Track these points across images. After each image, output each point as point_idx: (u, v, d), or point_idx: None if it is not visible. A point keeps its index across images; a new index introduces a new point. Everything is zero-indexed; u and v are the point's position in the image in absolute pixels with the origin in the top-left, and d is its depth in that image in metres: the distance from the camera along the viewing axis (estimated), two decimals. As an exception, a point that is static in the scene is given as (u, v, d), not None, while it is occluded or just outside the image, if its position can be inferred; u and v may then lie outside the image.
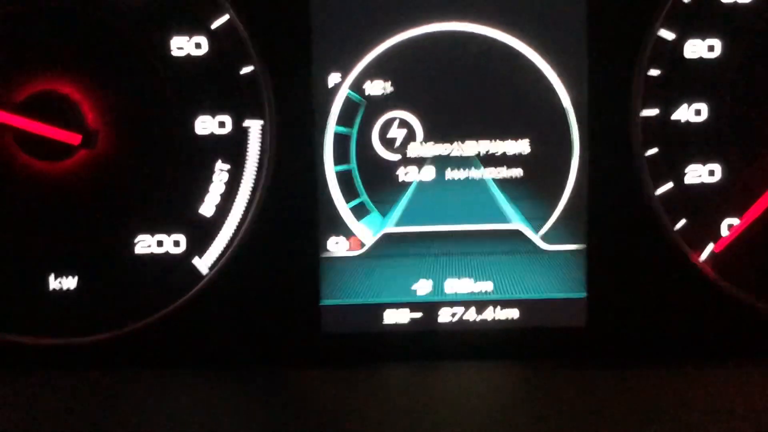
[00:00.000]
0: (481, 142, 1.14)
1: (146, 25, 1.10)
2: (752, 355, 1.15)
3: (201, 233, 1.14)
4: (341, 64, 1.12)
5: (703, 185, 1.14)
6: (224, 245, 1.14)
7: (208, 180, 1.13)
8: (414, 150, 1.14)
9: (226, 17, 1.10)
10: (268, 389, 1.10)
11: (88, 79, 1.11)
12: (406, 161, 1.14)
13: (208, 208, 1.14)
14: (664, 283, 1.15)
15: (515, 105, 1.13)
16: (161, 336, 1.15)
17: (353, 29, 1.12)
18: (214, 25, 1.11)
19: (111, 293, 1.15)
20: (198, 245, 1.15)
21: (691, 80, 1.12)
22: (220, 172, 1.13)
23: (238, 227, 1.14)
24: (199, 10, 1.10)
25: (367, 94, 1.13)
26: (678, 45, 1.12)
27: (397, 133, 1.14)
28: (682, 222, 1.15)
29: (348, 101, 1.13)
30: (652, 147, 1.13)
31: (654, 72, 1.12)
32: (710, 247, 1.16)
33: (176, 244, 1.15)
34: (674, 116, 1.13)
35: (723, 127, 1.13)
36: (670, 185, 1.14)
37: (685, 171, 1.14)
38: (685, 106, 1.13)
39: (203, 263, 1.15)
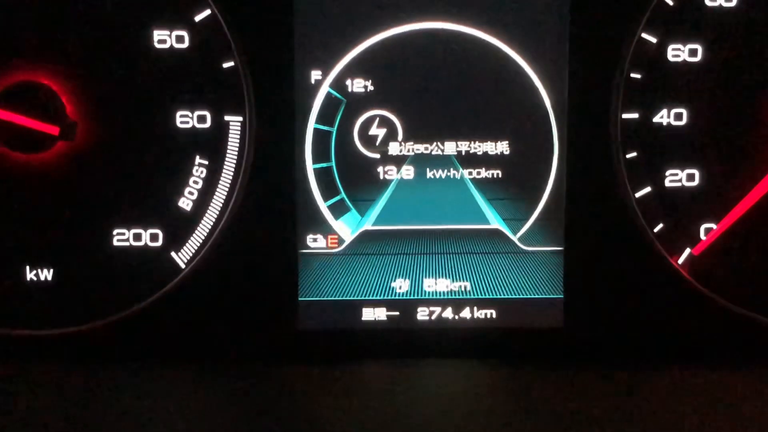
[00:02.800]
0: (461, 142, 1.14)
1: (129, 17, 1.10)
2: (727, 356, 1.15)
3: (179, 227, 1.14)
4: (323, 61, 1.12)
5: (681, 189, 1.15)
6: (202, 240, 1.14)
7: (187, 174, 1.13)
8: (394, 148, 1.14)
9: (208, 11, 1.10)
10: (244, 385, 1.10)
11: (68, 71, 1.11)
12: (386, 159, 1.14)
13: (186, 202, 1.14)
14: (641, 285, 1.15)
15: (496, 105, 1.13)
16: (137, 329, 1.15)
17: (335, 27, 1.11)
18: (197, 19, 1.10)
19: (88, 286, 1.15)
20: (176, 239, 1.14)
21: (673, 84, 1.13)
22: (199, 166, 1.13)
23: (216, 222, 1.14)
24: (182, 3, 1.10)
25: (348, 91, 1.13)
26: (660, 48, 1.12)
27: (377, 132, 1.14)
28: (660, 225, 1.15)
29: (329, 99, 1.13)
30: (631, 150, 1.14)
31: (635, 75, 1.12)
32: (688, 251, 1.16)
33: (154, 237, 1.14)
34: (654, 120, 1.13)
35: (703, 131, 1.13)
36: (648, 189, 1.14)
37: (665, 175, 1.15)
38: (665, 110, 1.13)
39: (181, 257, 1.15)
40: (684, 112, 1.13)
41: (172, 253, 1.15)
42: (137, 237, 1.14)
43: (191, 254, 1.15)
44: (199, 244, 1.14)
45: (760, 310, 1.16)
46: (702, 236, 1.16)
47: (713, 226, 1.15)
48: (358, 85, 1.13)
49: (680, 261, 1.16)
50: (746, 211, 1.14)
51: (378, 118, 1.14)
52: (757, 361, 1.15)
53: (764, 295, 1.16)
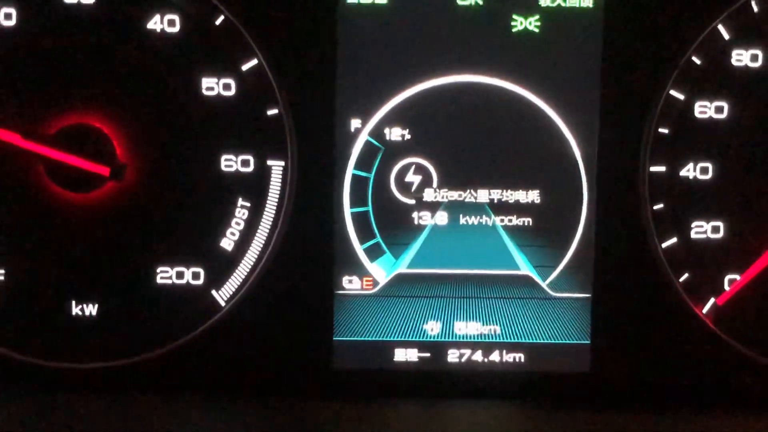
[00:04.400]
0: (493, 190, 1.18)
1: (179, 65, 1.15)
2: (752, 405, 1.18)
3: (220, 266, 1.18)
4: (362, 111, 1.17)
5: (707, 241, 1.18)
6: (242, 279, 1.18)
7: (230, 215, 1.17)
8: (429, 195, 1.18)
9: (255, 61, 1.15)
10: (280, 420, 1.13)
11: (120, 115, 1.15)
12: (421, 205, 1.19)
13: (228, 242, 1.18)
14: (666, 333, 1.18)
15: (528, 155, 1.18)
16: (177, 364, 1.18)
17: (375, 79, 1.16)
18: (244, 68, 1.15)
19: (131, 321, 1.18)
20: (217, 278, 1.18)
21: (699, 139, 1.17)
22: (242, 208, 1.17)
23: (256, 262, 1.18)
24: (230, 53, 1.15)
25: (386, 139, 1.18)
26: (688, 105, 1.16)
27: (413, 178, 1.18)
28: (686, 275, 1.19)
29: (367, 146, 1.18)
30: (658, 202, 1.17)
31: (663, 130, 1.17)
32: (712, 301, 1.19)
33: (196, 276, 1.18)
34: (681, 173, 1.17)
35: (728, 186, 1.17)
36: (675, 239, 1.18)
37: (691, 226, 1.18)
38: (692, 164, 1.17)
39: (221, 296, 1.19)
40: (710, 166, 1.17)
41: (213, 291, 1.19)
42: (180, 275, 1.18)
43: (231, 293, 1.18)
44: (239, 284, 1.18)
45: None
46: (726, 287, 1.19)
47: (737, 277, 1.19)
48: (395, 133, 1.17)
49: (705, 310, 1.19)
50: None
51: (414, 166, 1.18)
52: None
53: None
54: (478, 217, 1.19)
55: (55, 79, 1.15)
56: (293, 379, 1.19)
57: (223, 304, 1.19)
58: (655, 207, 1.17)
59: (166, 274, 1.18)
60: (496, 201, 1.18)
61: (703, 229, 1.18)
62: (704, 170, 1.17)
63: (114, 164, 1.15)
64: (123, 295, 1.18)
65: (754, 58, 1.16)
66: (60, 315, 1.18)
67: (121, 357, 1.18)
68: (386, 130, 1.17)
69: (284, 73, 1.15)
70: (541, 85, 1.16)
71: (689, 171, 1.17)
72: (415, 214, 1.19)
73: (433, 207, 1.19)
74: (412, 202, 1.19)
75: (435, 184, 1.18)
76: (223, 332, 1.18)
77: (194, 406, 1.15)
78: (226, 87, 1.16)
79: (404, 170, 1.18)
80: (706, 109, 1.16)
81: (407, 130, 1.17)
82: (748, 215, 1.18)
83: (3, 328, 1.18)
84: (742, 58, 1.16)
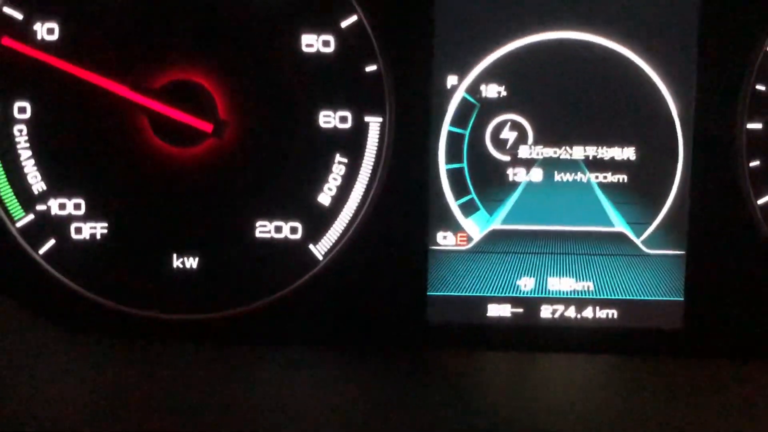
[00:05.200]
0: (588, 146, 1.19)
1: (279, 23, 1.17)
2: None
3: (318, 221, 1.20)
4: (459, 67, 1.18)
5: (803, 198, 1.18)
6: (339, 234, 1.20)
7: (328, 171, 1.19)
8: (524, 152, 1.19)
9: (354, 18, 1.16)
10: (375, 371, 1.16)
11: (222, 72, 1.18)
12: (516, 162, 1.20)
13: (325, 198, 1.20)
14: (761, 290, 1.18)
15: (623, 112, 1.18)
16: (276, 317, 1.21)
17: (472, 36, 1.17)
18: (343, 25, 1.17)
19: (231, 274, 1.21)
20: (314, 233, 1.20)
21: (798, 96, 1.16)
22: (339, 164, 1.19)
23: (353, 218, 1.20)
24: (330, 11, 1.16)
25: (482, 96, 1.19)
26: (786, 60, 1.16)
27: (508, 135, 1.19)
28: (782, 233, 1.19)
29: (463, 103, 1.19)
30: (755, 159, 1.17)
31: (761, 87, 1.16)
32: (808, 258, 1.19)
33: (294, 230, 1.21)
34: (779, 130, 1.17)
35: (826, 142, 1.17)
36: (772, 197, 1.18)
37: (787, 183, 1.18)
38: (790, 120, 1.17)
39: (318, 250, 1.21)
40: (808, 123, 1.17)
41: (311, 246, 1.21)
42: (278, 229, 1.21)
43: (328, 247, 1.20)
44: (336, 238, 1.20)
45: None
46: (822, 244, 1.19)
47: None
48: (491, 90, 1.18)
49: (799, 268, 1.19)
50: None
51: (509, 122, 1.19)
52: None
53: None
54: (573, 174, 1.19)
55: (159, 35, 1.17)
56: (388, 333, 1.21)
57: (320, 258, 1.21)
58: (751, 164, 1.17)
59: (264, 228, 1.21)
60: (590, 158, 1.19)
61: (800, 186, 1.18)
62: (802, 127, 1.17)
63: (216, 121, 1.17)
64: (223, 248, 1.21)
65: None
66: (162, 267, 1.21)
67: (222, 309, 1.21)
68: (482, 87, 1.18)
69: (383, 29, 1.16)
70: (638, 42, 1.17)
71: (788, 127, 1.17)
72: (509, 171, 1.20)
73: (528, 164, 1.20)
74: (507, 158, 1.20)
75: (530, 141, 1.19)
76: (320, 286, 1.20)
77: (292, 359, 1.18)
78: (326, 44, 1.17)
79: (499, 127, 1.19)
80: (804, 64, 1.16)
81: (503, 86, 1.18)
82: None
83: (108, 280, 1.21)
84: (842, 14, 1.15)
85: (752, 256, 1.18)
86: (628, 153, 1.19)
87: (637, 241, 1.20)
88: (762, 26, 1.15)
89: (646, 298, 1.20)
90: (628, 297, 1.20)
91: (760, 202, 1.18)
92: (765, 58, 1.15)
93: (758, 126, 1.17)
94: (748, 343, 1.19)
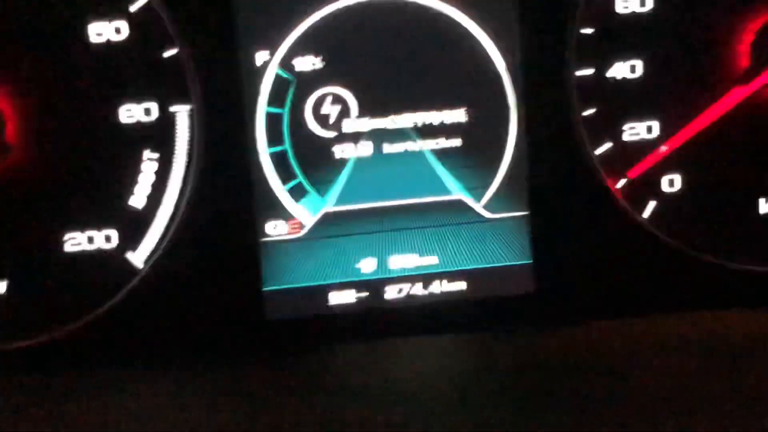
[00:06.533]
0: (417, 113, 1.12)
1: (63, 15, 1.05)
2: (697, 304, 1.15)
3: (133, 226, 1.10)
4: (268, 40, 1.09)
5: (641, 142, 1.14)
6: (158, 237, 1.11)
7: (137, 170, 1.09)
8: (349, 126, 1.11)
9: (144, 0, 1.06)
10: (214, 380, 1.07)
11: (8, 82, 1.06)
12: (342, 138, 1.11)
13: (138, 199, 1.10)
14: (607, 241, 1.14)
15: (450, 74, 1.11)
16: (98, 336, 1.11)
17: (278, 4, 1.08)
18: (133, 8, 1.06)
19: (43, 295, 1.10)
20: (131, 239, 1.11)
21: (624, 36, 1.11)
22: (149, 161, 1.09)
23: (172, 217, 1.10)
24: (115, -6, 1.06)
25: (297, 70, 1.10)
26: (609, 1, 1.10)
27: (330, 110, 1.11)
28: (623, 180, 1.14)
29: (278, 79, 1.10)
30: (588, 107, 1.12)
31: (586, 30, 1.11)
32: (652, 204, 1.15)
33: (108, 239, 1.10)
34: (609, 74, 1.12)
35: (658, 82, 1.12)
36: (609, 144, 1.13)
37: (623, 129, 1.13)
38: (619, 63, 1.12)
39: (137, 257, 1.11)
40: (638, 63, 1.12)
41: (129, 254, 1.11)
42: (90, 240, 1.10)
43: (148, 253, 1.11)
44: (155, 242, 1.11)
45: (724, 256, 1.16)
46: (665, 188, 1.15)
47: (676, 177, 1.15)
48: (306, 63, 1.10)
49: (645, 214, 1.15)
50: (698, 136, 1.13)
51: (330, 96, 1.11)
52: (720, 305, 1.15)
53: (725, 242, 1.16)
54: (404, 143, 1.12)
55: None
56: (226, 336, 1.12)
57: (140, 266, 1.11)
58: (585, 113, 1.12)
59: (74, 241, 1.10)
60: (420, 125, 1.12)
61: (636, 131, 1.13)
62: (633, 68, 1.12)
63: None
64: (32, 268, 1.10)
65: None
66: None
67: (36, 335, 1.10)
68: (296, 60, 1.09)
69: (176, 8, 1.06)
70: (455, -3, 1.10)
71: (617, 70, 1.12)
72: (336, 148, 1.12)
73: (355, 138, 1.11)
74: (332, 135, 1.11)
75: (354, 114, 1.11)
76: (144, 296, 1.11)
77: (122, 378, 1.08)
78: (117, 31, 1.07)
79: (320, 102, 1.11)
80: (628, 4, 1.11)
81: (319, 57, 1.10)
82: (680, 110, 1.13)
83: None
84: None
85: (594, 207, 1.14)
86: (459, 115, 1.12)
87: (478, 207, 1.14)
88: (582, -33, 1.10)
89: (494, 265, 1.14)
90: (475, 266, 1.14)
91: (597, 151, 1.13)
92: (587, 0, 1.10)
93: (589, 71, 1.12)
94: (601, 299, 1.15)
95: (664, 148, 1.13)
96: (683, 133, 1.13)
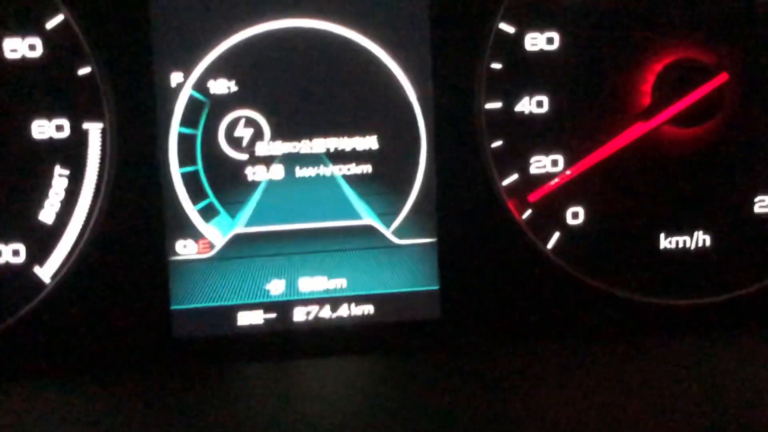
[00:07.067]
0: (329, 138, 1.13)
1: None
2: (602, 336, 1.18)
3: (42, 241, 1.10)
4: (183, 62, 1.10)
5: (547, 175, 1.17)
6: (66, 253, 1.10)
7: (47, 186, 1.09)
8: (262, 149, 1.13)
9: (60, 17, 1.06)
10: (121, 398, 1.07)
11: None
12: (254, 160, 1.13)
13: (48, 214, 1.10)
14: (512, 270, 1.17)
15: (362, 101, 1.13)
16: (3, 350, 1.10)
17: (195, 27, 1.09)
18: (49, 26, 1.06)
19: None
20: (39, 254, 1.10)
21: (532, 73, 1.14)
22: (60, 177, 1.09)
23: (81, 234, 1.10)
24: (32, 10, 1.06)
25: (211, 93, 1.11)
26: (518, 38, 1.14)
27: (243, 132, 1.12)
28: (528, 212, 1.17)
29: (192, 101, 1.11)
30: (496, 139, 1.15)
31: (496, 65, 1.14)
32: (557, 235, 1.18)
33: (15, 253, 1.10)
34: (517, 108, 1.15)
35: (563, 118, 1.16)
36: (516, 176, 1.16)
37: (530, 161, 1.16)
38: (527, 98, 1.15)
39: (45, 272, 1.11)
40: (545, 99, 1.15)
41: (36, 269, 1.10)
42: (-2, 253, 1.10)
43: (56, 268, 1.11)
44: (63, 258, 1.10)
45: (624, 286, 1.19)
46: (569, 220, 1.18)
47: (579, 209, 1.18)
48: (221, 85, 1.11)
49: (549, 245, 1.18)
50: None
51: (243, 119, 1.12)
52: (620, 334, 1.18)
53: (626, 274, 1.19)
54: (316, 168, 1.14)
55: None
56: (133, 354, 1.12)
57: (47, 281, 1.10)
58: (493, 145, 1.15)
59: (-19, 254, 1.10)
60: (332, 150, 1.14)
61: (542, 164, 1.17)
62: (539, 103, 1.15)
63: None
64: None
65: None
66: None
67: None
68: (210, 83, 1.11)
69: (93, 27, 1.07)
70: (369, 27, 1.12)
71: (525, 105, 1.15)
72: (248, 170, 1.13)
73: (267, 161, 1.13)
74: (245, 157, 1.13)
75: (267, 137, 1.13)
76: (50, 312, 1.10)
77: (27, 396, 1.07)
78: (32, 47, 1.07)
79: (233, 124, 1.12)
80: (536, 41, 1.14)
81: (233, 81, 1.11)
82: (583, 146, 1.16)
83: None
84: (568, -13, 1.14)
85: (500, 237, 1.16)
86: (370, 142, 1.14)
87: (387, 233, 1.16)
88: (492, 5, 1.13)
89: (402, 290, 1.17)
90: (383, 291, 1.16)
91: (504, 183, 1.16)
92: (498, 35, 1.13)
93: (497, 105, 1.15)
94: (505, 326, 1.18)
95: (568, 172, 1.16)
96: (585, 161, 1.16)
